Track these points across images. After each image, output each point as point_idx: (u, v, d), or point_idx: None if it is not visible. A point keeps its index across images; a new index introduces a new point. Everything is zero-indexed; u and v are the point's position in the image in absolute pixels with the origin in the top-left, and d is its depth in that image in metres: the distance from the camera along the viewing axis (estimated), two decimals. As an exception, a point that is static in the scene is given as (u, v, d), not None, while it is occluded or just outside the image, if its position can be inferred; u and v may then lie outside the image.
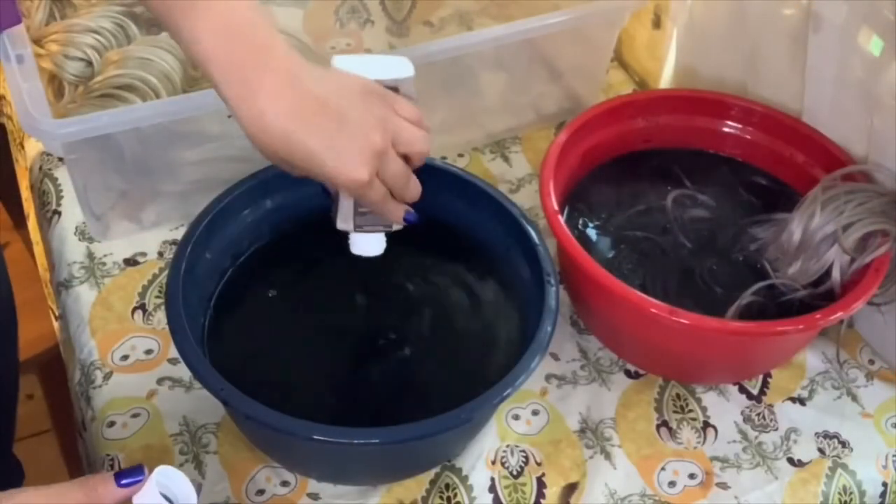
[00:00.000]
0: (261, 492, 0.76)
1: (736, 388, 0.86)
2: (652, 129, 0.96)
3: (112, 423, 0.80)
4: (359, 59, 0.68)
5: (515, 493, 0.78)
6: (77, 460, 0.97)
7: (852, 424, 0.84)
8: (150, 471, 0.58)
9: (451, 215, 0.85)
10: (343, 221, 0.71)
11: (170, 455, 0.78)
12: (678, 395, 0.85)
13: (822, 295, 0.81)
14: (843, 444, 0.82)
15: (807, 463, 0.81)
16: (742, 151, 0.96)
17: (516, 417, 0.82)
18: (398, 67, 0.69)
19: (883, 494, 0.82)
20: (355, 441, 0.66)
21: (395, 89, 0.68)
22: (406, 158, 0.67)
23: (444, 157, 1.02)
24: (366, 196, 0.65)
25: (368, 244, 0.74)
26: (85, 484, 0.57)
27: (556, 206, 0.82)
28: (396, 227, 0.72)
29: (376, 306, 0.81)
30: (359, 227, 0.72)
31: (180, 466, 0.76)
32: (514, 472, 0.79)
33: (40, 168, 1.00)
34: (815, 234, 0.81)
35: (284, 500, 0.76)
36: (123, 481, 0.57)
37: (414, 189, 0.69)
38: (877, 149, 0.85)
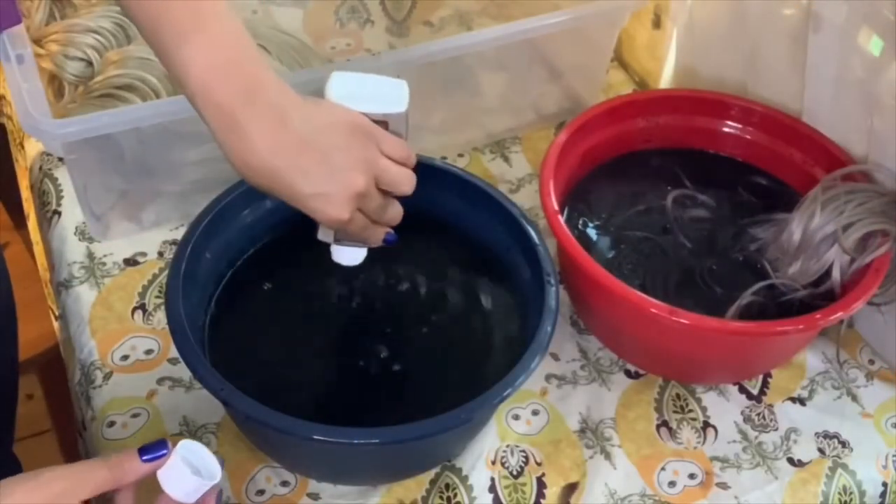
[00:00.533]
0: (261, 492, 0.76)
1: (736, 388, 0.86)
2: (652, 129, 0.96)
3: (112, 423, 0.80)
4: (356, 79, 0.67)
5: (515, 493, 0.78)
6: (77, 460, 0.96)
7: (852, 424, 0.84)
8: (174, 445, 0.59)
9: (451, 215, 0.85)
10: (324, 235, 0.72)
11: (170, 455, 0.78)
12: (678, 395, 0.85)
13: (822, 295, 0.81)
14: (843, 444, 0.82)
15: (807, 463, 0.81)
16: (742, 151, 0.96)
17: (516, 417, 0.82)
18: (393, 96, 0.68)
19: (883, 494, 0.82)
20: (355, 441, 0.66)
21: (384, 123, 0.67)
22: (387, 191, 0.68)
23: (444, 157, 1.02)
24: (345, 230, 0.67)
25: (349, 255, 0.74)
26: (109, 460, 0.58)
27: (556, 206, 0.82)
28: (376, 244, 0.72)
29: (376, 306, 0.81)
30: (338, 241, 0.72)
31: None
32: (514, 472, 0.79)
33: (40, 168, 1.00)
34: (815, 234, 0.81)
35: (284, 500, 0.76)
36: (147, 456, 0.58)
37: (394, 215, 0.70)
38: (877, 149, 0.85)
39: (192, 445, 0.60)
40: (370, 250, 0.74)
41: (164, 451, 0.59)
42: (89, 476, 0.57)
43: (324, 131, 0.63)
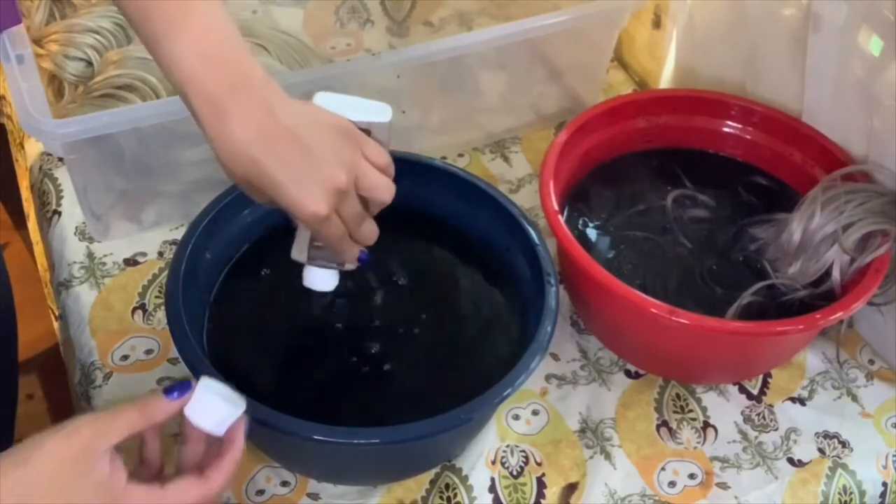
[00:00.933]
0: (261, 492, 0.76)
1: (736, 388, 0.86)
2: (652, 129, 0.96)
3: (112, 423, 0.80)
4: (340, 98, 0.68)
5: (515, 493, 0.78)
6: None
7: (852, 424, 0.84)
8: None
9: (452, 215, 0.86)
10: (298, 252, 0.71)
11: (170, 455, 0.77)
12: (678, 395, 0.85)
13: (822, 295, 0.81)
14: (843, 444, 0.82)
15: (807, 463, 0.81)
16: (742, 151, 0.96)
17: (516, 417, 0.82)
18: (376, 110, 0.69)
19: (883, 494, 0.82)
20: (355, 441, 0.66)
21: (367, 132, 0.67)
22: (365, 203, 0.67)
23: (444, 157, 1.02)
24: (322, 231, 0.66)
25: (320, 279, 0.73)
26: (138, 403, 0.59)
27: (556, 206, 0.82)
28: (349, 266, 0.71)
29: (376, 306, 0.81)
30: (312, 260, 0.71)
31: (180, 466, 0.77)
32: (514, 472, 0.79)
33: (40, 168, 1.00)
34: (815, 234, 0.81)
35: (284, 500, 0.76)
36: (172, 395, 0.59)
37: (369, 232, 0.69)
38: (877, 149, 0.85)
39: (212, 382, 0.61)
40: (342, 275, 0.73)
41: (188, 390, 0.60)
42: (118, 419, 0.57)
43: (308, 127, 0.63)
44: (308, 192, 0.62)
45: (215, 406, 0.60)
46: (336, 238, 0.66)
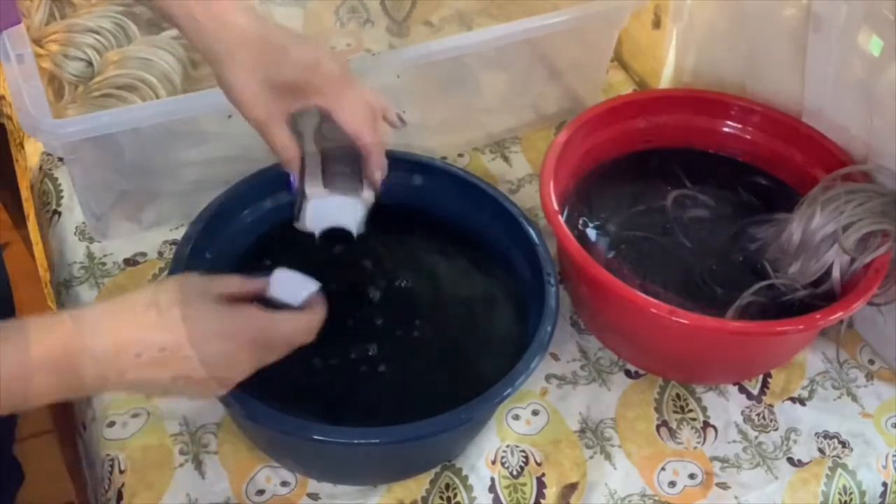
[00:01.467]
0: (261, 492, 0.76)
1: (736, 388, 0.86)
2: (652, 129, 0.96)
3: (112, 423, 0.80)
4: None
5: (515, 493, 0.78)
6: (77, 460, 0.97)
7: (852, 424, 0.84)
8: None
9: (452, 215, 0.85)
10: (311, 186, 0.73)
11: (170, 455, 0.78)
12: (678, 395, 0.85)
13: (822, 295, 0.81)
14: (843, 444, 0.82)
15: (807, 463, 0.81)
16: (742, 151, 0.96)
17: (516, 417, 0.82)
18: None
19: (883, 494, 0.82)
20: (355, 441, 0.66)
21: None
22: None
23: (444, 157, 1.02)
24: (348, 99, 0.70)
25: (341, 210, 0.73)
26: (220, 275, 0.68)
27: (556, 206, 0.82)
28: (367, 195, 0.73)
29: (376, 305, 0.81)
30: (331, 187, 0.72)
31: (180, 466, 0.77)
32: (514, 472, 0.79)
33: (40, 168, 1.00)
34: (815, 234, 0.81)
35: (284, 500, 0.76)
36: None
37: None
38: (877, 149, 0.85)
39: (287, 269, 0.69)
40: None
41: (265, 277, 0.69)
42: (220, 277, 0.67)
43: None
44: (325, 50, 0.70)
45: (291, 279, 0.69)
46: (366, 113, 0.71)
